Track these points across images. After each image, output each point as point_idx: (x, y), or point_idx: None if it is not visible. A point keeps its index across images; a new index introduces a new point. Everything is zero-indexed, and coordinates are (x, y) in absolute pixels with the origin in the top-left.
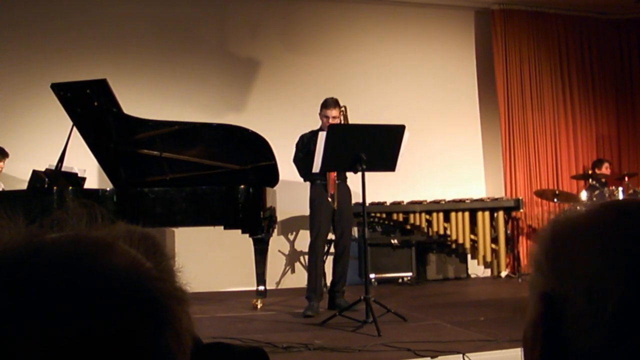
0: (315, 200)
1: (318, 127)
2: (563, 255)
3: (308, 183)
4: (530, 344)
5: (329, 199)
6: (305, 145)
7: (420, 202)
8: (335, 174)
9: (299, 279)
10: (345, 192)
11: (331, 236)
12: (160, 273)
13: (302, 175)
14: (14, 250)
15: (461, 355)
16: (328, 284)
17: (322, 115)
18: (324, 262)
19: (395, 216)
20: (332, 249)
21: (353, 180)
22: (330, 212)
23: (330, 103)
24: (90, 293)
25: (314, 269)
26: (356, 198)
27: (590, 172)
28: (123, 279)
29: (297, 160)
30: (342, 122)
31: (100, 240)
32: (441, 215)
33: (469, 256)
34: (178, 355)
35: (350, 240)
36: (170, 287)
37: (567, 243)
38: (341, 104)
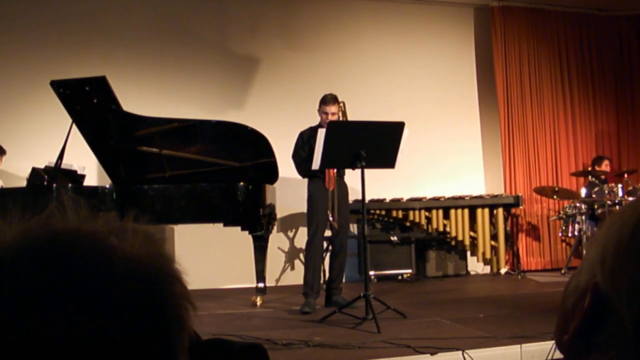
0: (313, 197)
1: (317, 123)
2: (633, 263)
3: (307, 179)
4: (570, 312)
5: (330, 216)
6: (305, 143)
7: (419, 199)
8: (334, 170)
9: (299, 276)
10: (343, 189)
11: (327, 232)
12: (157, 261)
13: (301, 172)
14: (5, 248)
15: (460, 352)
16: (321, 281)
17: (321, 112)
18: (323, 258)
19: (394, 213)
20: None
21: (353, 176)
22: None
23: (329, 99)
24: (83, 289)
25: (311, 266)
26: (356, 195)
27: (589, 169)
28: (116, 273)
29: (297, 157)
30: (341, 117)
31: (93, 234)
32: (441, 212)
33: (468, 253)
34: (178, 344)
35: (347, 237)
36: (168, 275)
37: None
38: (340, 100)
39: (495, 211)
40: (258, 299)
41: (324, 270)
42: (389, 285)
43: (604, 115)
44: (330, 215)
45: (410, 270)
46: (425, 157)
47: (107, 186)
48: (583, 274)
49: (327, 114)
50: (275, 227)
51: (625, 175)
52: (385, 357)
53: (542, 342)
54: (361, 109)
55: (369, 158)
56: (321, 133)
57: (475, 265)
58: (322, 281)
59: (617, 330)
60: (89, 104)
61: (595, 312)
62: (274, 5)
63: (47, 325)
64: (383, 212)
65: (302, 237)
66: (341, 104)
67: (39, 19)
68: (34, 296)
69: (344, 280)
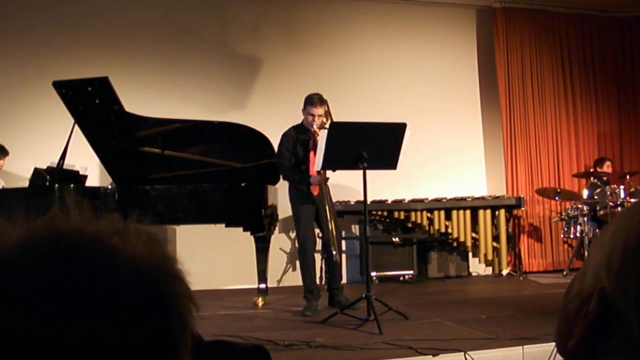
0: (297, 203)
1: (299, 122)
2: None
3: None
4: (573, 316)
5: (329, 223)
6: (293, 147)
7: (421, 200)
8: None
9: (300, 277)
10: (328, 190)
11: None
12: (160, 261)
13: (285, 176)
14: (10, 249)
15: (462, 353)
16: (323, 282)
17: (307, 113)
18: (321, 260)
19: (396, 214)
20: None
21: (354, 177)
22: (314, 211)
23: (316, 101)
24: (87, 292)
25: (307, 271)
26: (357, 196)
27: (591, 170)
28: (119, 274)
29: (282, 160)
30: (327, 117)
31: (96, 235)
32: (442, 213)
33: (470, 254)
34: (181, 344)
35: (340, 237)
36: (171, 276)
37: None
38: (325, 99)
39: (497, 212)
40: (260, 299)
41: (326, 273)
42: (391, 286)
43: (606, 116)
44: (330, 223)
45: (412, 272)
46: (427, 159)
47: (109, 187)
48: (587, 278)
49: (313, 115)
50: (277, 228)
51: (628, 177)
52: (387, 358)
53: (544, 344)
54: (363, 110)
55: (370, 159)
56: (323, 134)
57: (477, 267)
58: (322, 282)
59: (624, 336)
60: (91, 105)
61: (601, 317)
62: (276, 6)
63: (51, 326)
64: (385, 213)
65: None
66: (325, 103)
67: (41, 19)
68: (38, 296)
69: (345, 282)
